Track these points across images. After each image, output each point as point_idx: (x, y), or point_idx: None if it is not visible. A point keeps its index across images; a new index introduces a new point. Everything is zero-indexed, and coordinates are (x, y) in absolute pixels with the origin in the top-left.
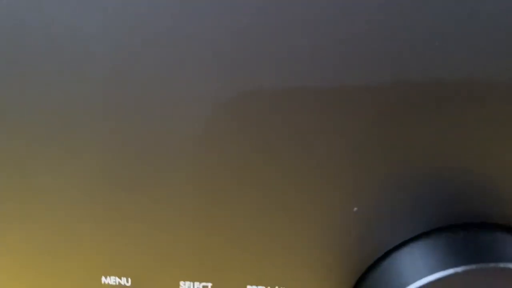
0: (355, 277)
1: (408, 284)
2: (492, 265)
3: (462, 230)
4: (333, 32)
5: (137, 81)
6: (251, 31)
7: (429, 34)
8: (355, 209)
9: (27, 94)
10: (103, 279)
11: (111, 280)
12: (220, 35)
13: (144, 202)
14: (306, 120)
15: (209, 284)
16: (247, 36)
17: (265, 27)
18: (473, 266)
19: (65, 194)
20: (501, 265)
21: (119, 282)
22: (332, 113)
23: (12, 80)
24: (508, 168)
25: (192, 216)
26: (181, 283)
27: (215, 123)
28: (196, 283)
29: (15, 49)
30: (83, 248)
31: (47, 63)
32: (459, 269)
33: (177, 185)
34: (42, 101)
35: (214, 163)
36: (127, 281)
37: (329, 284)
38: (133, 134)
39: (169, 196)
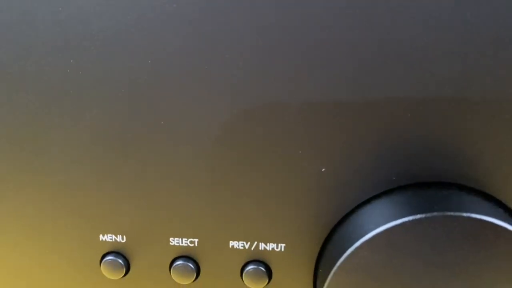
0: (327, 230)
1: (367, 233)
2: (438, 214)
3: (417, 188)
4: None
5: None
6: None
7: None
8: (323, 169)
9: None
10: (100, 236)
11: (108, 237)
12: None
13: (137, 167)
14: (279, 93)
15: (196, 240)
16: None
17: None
18: (422, 215)
19: (68, 160)
20: (448, 213)
21: (115, 239)
22: (305, 87)
23: (25, 52)
24: (462, 134)
25: (180, 179)
26: (171, 239)
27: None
28: (184, 239)
29: (27, 26)
30: (82, 209)
31: (55, 35)
32: (409, 218)
33: (167, 153)
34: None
35: (203, 132)
36: (122, 238)
37: (303, 238)
38: (132, 101)
39: (159, 162)
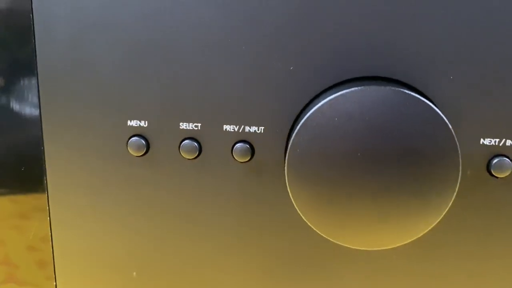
0: (295, 115)
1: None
2: (367, 87)
3: (359, 79)
4: None
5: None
6: None
7: None
8: (291, 68)
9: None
10: (128, 122)
11: (134, 122)
12: None
13: (160, 66)
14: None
15: (199, 124)
16: None
17: None
18: (356, 88)
19: (109, 62)
20: (377, 86)
21: (139, 124)
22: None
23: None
24: (401, 36)
25: (190, 76)
26: (180, 123)
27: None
28: (191, 124)
29: None
30: (116, 100)
31: None
32: (347, 90)
33: (182, 56)
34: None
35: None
36: (145, 123)
37: (278, 121)
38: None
39: (177, 63)
